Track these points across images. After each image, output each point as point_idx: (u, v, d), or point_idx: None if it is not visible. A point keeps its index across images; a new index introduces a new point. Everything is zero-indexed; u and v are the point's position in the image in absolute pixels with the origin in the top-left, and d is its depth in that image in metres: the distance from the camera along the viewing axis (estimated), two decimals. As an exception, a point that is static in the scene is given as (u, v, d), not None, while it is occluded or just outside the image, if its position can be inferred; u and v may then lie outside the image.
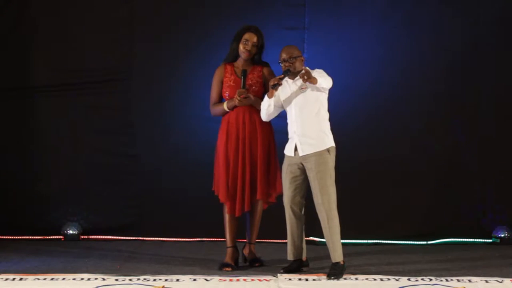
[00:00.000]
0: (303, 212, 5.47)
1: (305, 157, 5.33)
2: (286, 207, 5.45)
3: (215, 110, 5.68)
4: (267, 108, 5.45)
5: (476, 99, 6.79)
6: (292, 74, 5.42)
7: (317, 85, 5.26)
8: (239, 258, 5.67)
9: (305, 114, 5.35)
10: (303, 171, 5.39)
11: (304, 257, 5.56)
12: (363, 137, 6.65)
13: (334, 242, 5.28)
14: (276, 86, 5.34)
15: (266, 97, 5.46)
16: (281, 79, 5.36)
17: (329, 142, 5.37)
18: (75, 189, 6.86)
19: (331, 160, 5.34)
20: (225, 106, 5.59)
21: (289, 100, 5.41)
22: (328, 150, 5.33)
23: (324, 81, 5.30)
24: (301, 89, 5.37)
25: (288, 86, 5.44)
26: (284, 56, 5.40)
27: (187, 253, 6.23)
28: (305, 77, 5.19)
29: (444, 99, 6.79)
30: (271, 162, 5.62)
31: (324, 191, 5.28)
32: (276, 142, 5.68)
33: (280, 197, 5.64)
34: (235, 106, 5.55)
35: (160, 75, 6.83)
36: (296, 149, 5.37)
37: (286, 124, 5.48)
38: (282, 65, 5.42)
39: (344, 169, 6.06)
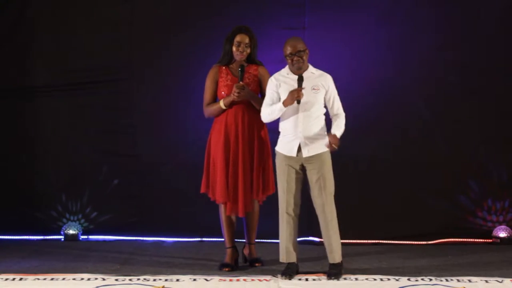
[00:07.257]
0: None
1: (309, 158, 5.26)
2: (288, 210, 5.27)
3: (210, 110, 5.57)
4: (277, 114, 5.24)
5: (477, 99, 6.79)
6: (298, 70, 5.24)
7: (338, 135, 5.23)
8: (239, 258, 5.67)
9: (312, 115, 5.24)
10: (303, 172, 5.31)
11: (296, 260, 5.42)
12: (362, 137, 6.63)
13: (334, 243, 5.25)
14: (300, 100, 5.15)
15: (280, 105, 5.20)
16: (301, 90, 5.15)
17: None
18: (75, 189, 6.86)
19: (330, 160, 5.31)
20: (221, 103, 5.48)
21: None
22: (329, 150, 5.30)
23: (339, 130, 5.27)
24: (313, 89, 5.23)
25: (293, 84, 5.23)
26: (290, 50, 5.19)
27: (187, 253, 6.23)
28: (334, 146, 5.17)
29: (445, 99, 6.78)
30: (266, 161, 5.57)
31: (328, 192, 5.24)
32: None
33: (277, 196, 5.65)
34: (233, 103, 5.46)
35: (160, 75, 6.83)
36: (299, 150, 5.26)
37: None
38: (288, 59, 5.23)
39: (344, 169, 6.08)
